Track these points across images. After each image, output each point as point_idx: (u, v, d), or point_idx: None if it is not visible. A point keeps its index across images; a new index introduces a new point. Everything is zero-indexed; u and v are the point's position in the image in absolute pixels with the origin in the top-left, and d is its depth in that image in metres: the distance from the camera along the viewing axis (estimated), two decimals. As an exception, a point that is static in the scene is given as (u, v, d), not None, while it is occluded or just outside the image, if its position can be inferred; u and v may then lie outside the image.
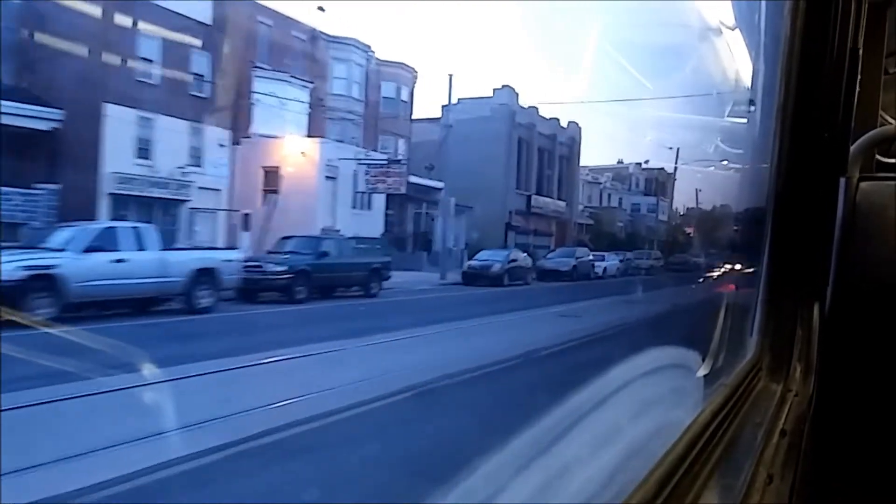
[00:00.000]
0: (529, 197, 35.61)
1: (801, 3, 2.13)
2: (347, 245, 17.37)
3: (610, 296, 18.62)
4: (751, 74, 2.75)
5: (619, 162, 49.00)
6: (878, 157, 2.89)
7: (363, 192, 24.13)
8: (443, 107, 27.55)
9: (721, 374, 2.28)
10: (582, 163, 44.85)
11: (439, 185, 28.33)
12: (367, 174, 23.74)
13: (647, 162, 47.05)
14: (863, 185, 2.48)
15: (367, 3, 34.16)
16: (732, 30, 2.67)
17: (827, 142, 2.22)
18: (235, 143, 17.54)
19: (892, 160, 2.93)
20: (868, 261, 2.44)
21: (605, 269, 28.38)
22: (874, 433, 2.23)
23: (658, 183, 46.81)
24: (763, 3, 2.42)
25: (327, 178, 22.38)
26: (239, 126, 18.41)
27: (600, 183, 46.60)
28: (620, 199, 48.24)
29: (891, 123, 3.10)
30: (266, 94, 21.04)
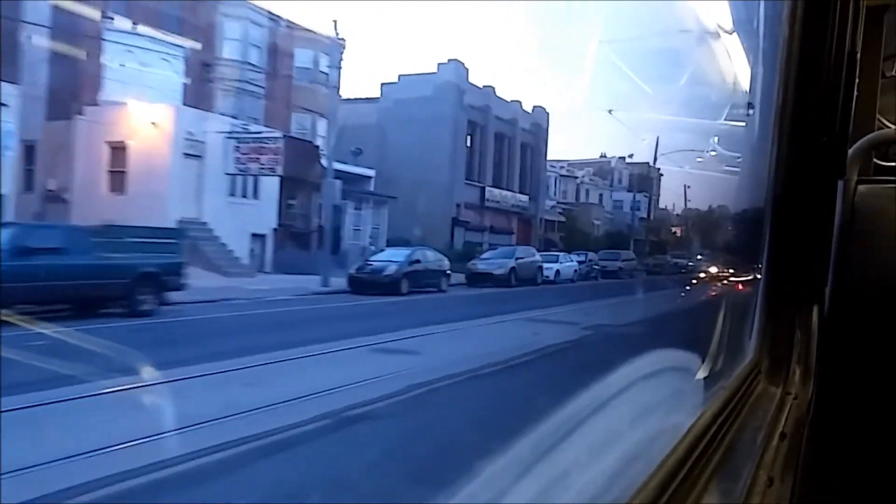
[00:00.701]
0: (483, 189, 30.97)
1: (799, 6, 2.13)
2: (88, 239, 10.67)
3: (530, 309, 15.07)
4: (749, 78, 2.76)
5: (602, 156, 46.09)
6: (875, 160, 2.90)
7: (235, 174, 18.43)
8: (337, 74, 22.45)
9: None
10: (561, 156, 41.97)
11: (368, 172, 24.09)
12: (236, 151, 18.27)
13: (631, 156, 43.62)
14: (861, 188, 2.49)
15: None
16: (730, 33, 2.69)
17: (825, 145, 2.23)
18: (78, 112, 13.97)
19: (890, 163, 2.95)
20: (866, 263, 2.45)
21: (557, 272, 23.70)
22: (873, 435, 2.24)
23: (643, 179, 44.12)
24: (761, 7, 2.43)
25: (187, 155, 17.02)
26: (81, 91, 14.63)
27: (577, 177, 43.57)
28: (601, 195, 45.07)
29: (888, 127, 3.11)
30: (121, 51, 15.67)
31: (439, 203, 26.49)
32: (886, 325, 2.28)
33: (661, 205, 44.96)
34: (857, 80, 2.22)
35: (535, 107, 33.71)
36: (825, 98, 2.19)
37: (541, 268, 22.64)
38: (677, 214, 39.57)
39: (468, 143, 30.25)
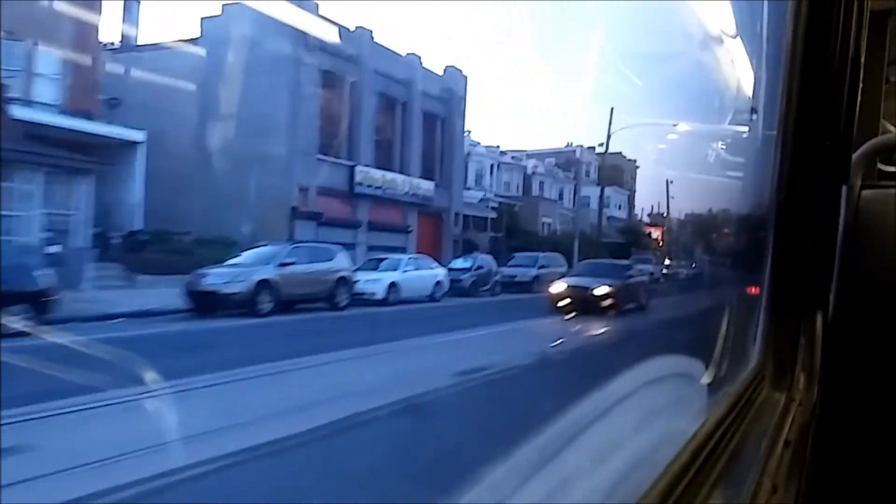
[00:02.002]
0: (353, 169, 20.92)
1: (803, 11, 2.13)
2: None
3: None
4: (752, 83, 2.76)
5: (569, 145, 39.04)
6: (879, 165, 2.90)
7: None
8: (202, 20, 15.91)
9: None
10: (521, 145, 36.83)
11: (130, 135, 15.17)
12: None
13: (601, 145, 37.02)
14: (865, 193, 2.49)
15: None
16: (734, 38, 2.68)
17: (829, 150, 2.23)
18: None
19: (894, 168, 2.94)
20: (871, 268, 2.44)
21: (392, 286, 15.23)
22: (878, 442, 2.23)
23: (617, 172, 38.80)
24: (765, 12, 2.43)
25: None
26: None
27: (525, 166, 36.55)
28: (562, 189, 38.17)
29: (892, 132, 3.11)
30: None
31: (269, 185, 17.65)
32: (891, 330, 2.27)
33: (641, 202, 40.92)
34: (860, 85, 2.22)
35: (447, 67, 24.42)
36: (829, 103, 2.19)
37: (344, 280, 13.81)
38: (656, 213, 36.48)
39: (331, 104, 20.46)
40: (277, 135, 18.22)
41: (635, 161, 39.37)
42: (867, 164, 2.67)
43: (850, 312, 2.37)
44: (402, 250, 19.60)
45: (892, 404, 2.21)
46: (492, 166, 34.26)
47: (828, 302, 2.38)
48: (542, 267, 19.92)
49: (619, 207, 40.23)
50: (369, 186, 21.75)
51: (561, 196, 37.90)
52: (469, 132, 31.87)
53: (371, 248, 19.12)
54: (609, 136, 25.42)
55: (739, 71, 2.80)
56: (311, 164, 19.49)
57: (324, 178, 19.69)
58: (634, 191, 41.63)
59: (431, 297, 16.35)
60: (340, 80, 20.19)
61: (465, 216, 27.28)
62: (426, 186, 24.26)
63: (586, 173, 39.27)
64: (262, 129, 18.02)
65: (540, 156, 37.70)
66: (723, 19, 2.72)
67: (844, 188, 2.39)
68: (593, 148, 38.58)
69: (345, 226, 20.34)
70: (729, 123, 3.58)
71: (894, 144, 3.00)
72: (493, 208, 29.92)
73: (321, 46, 18.99)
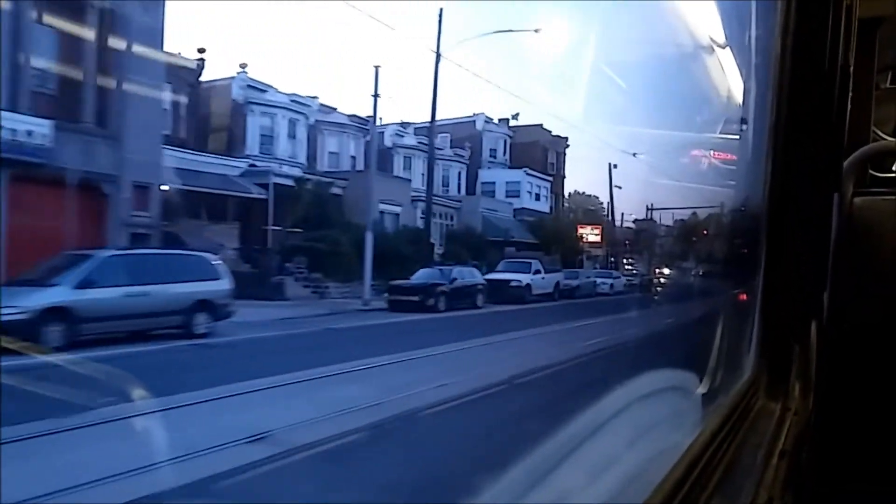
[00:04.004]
0: None
1: (792, 21, 2.13)
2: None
3: None
4: (742, 92, 2.76)
5: (473, 115, 30.23)
6: (871, 172, 2.90)
7: None
8: None
9: None
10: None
11: None
12: None
13: (515, 117, 30.61)
14: (857, 200, 2.49)
15: None
16: (723, 48, 2.69)
17: (820, 158, 2.23)
18: None
19: (886, 175, 2.95)
20: (864, 275, 2.44)
21: None
22: (874, 450, 2.22)
23: (535, 150, 31.20)
24: (753, 22, 2.43)
25: None
26: None
27: (379, 134, 24.14)
28: (446, 173, 28.32)
29: (883, 139, 3.12)
30: None
31: None
32: (885, 336, 2.27)
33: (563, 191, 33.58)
34: (850, 93, 2.22)
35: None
36: (819, 111, 2.19)
37: None
38: (571, 207, 30.98)
39: None
40: None
41: (566, 139, 31.79)
42: (859, 170, 2.67)
43: (844, 319, 2.37)
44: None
45: (889, 411, 2.20)
46: (294, 123, 22.98)
47: (821, 309, 2.38)
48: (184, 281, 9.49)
49: (537, 197, 31.49)
50: None
51: (445, 182, 28.35)
52: (245, 67, 21.25)
53: None
54: (438, 57, 18.07)
55: (731, 81, 2.81)
56: None
57: None
58: (564, 176, 33.59)
59: None
60: None
61: (215, 196, 15.61)
62: (28, 127, 10.52)
63: (491, 152, 30.01)
64: None
65: (428, 128, 24.58)
66: (712, 29, 2.72)
67: (836, 195, 2.39)
68: (506, 120, 30.17)
69: None
70: (720, 133, 3.59)
71: (885, 151, 3.00)
72: (276, 186, 17.81)
73: None
